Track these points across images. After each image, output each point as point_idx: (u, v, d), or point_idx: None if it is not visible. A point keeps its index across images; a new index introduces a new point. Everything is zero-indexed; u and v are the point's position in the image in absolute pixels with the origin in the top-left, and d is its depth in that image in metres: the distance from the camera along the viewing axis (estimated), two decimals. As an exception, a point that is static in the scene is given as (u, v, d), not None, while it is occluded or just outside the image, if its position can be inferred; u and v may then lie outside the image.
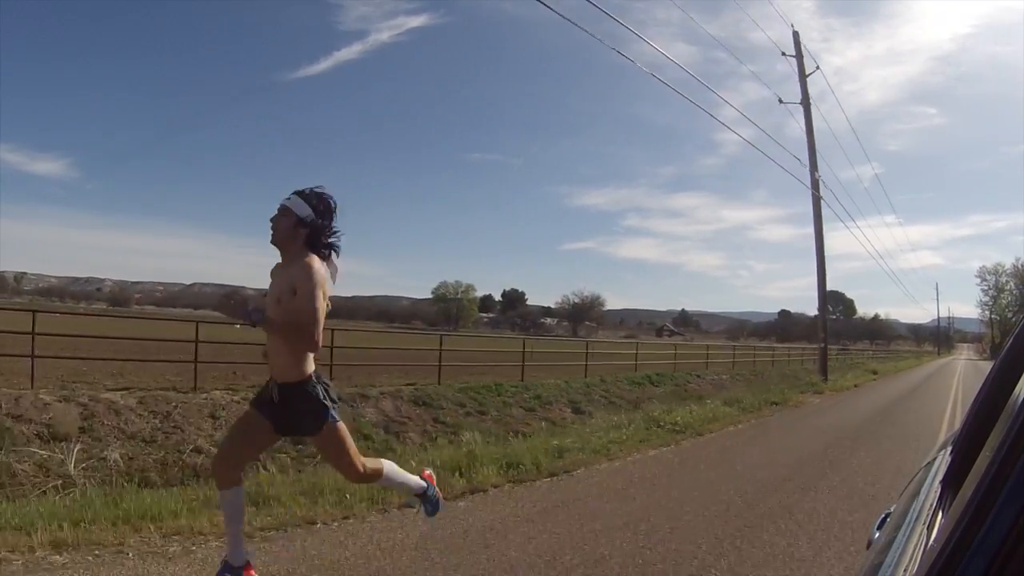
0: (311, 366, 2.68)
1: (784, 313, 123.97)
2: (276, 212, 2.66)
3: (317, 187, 2.72)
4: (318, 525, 3.89)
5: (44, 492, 4.77)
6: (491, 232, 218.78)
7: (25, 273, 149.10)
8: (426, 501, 3.15)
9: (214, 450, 6.16)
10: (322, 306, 2.52)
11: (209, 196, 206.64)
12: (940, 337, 78.84)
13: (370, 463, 2.85)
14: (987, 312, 64.08)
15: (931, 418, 11.23)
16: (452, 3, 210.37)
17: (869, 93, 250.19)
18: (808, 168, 19.06)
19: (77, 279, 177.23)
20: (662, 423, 8.41)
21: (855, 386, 18.90)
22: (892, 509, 1.42)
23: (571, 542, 3.74)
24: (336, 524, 3.95)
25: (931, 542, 0.80)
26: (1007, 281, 61.20)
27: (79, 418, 6.06)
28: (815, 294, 20.43)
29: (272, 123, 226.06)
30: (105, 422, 6.15)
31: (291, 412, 2.67)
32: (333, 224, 2.71)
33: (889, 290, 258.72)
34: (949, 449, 1.35)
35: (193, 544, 3.44)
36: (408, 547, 3.55)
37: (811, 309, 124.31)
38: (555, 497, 4.88)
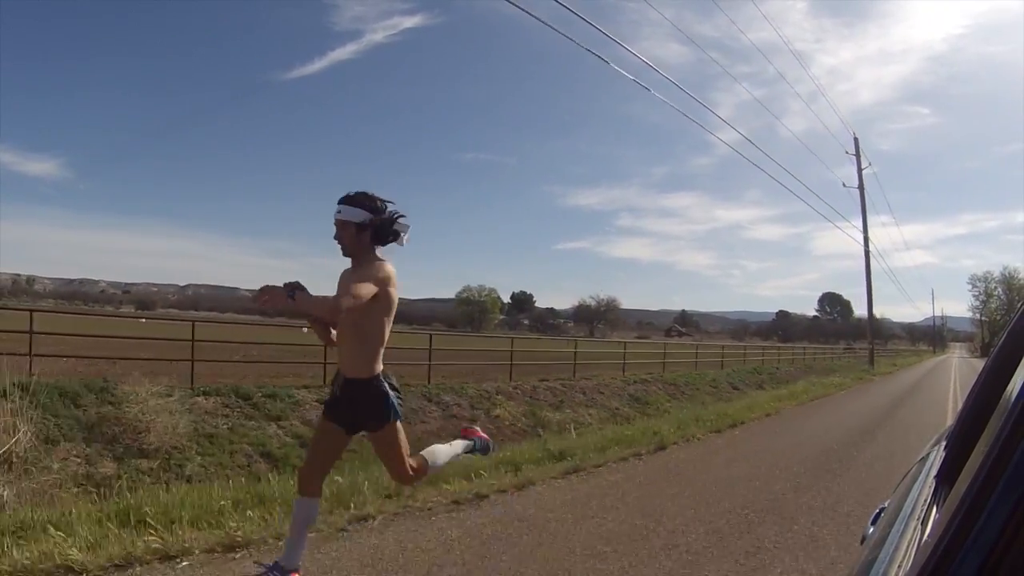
0: (380, 365, 2.82)
1: (782, 314, 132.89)
2: (336, 226, 2.77)
3: (361, 192, 2.80)
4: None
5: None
6: (484, 232, 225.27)
7: (22, 276, 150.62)
8: (477, 450, 3.47)
9: (624, 409, 12.33)
10: (366, 291, 2.58)
11: (203, 196, 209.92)
12: (935, 337, 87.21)
13: (414, 461, 2.97)
14: (978, 315, 72.14)
15: (946, 385, 19.15)
16: (447, 4, 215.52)
17: (862, 93, 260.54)
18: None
19: (71, 280, 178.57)
20: (827, 385, 15.72)
21: (890, 372, 27.03)
22: (886, 504, 1.46)
23: (841, 411, 10.96)
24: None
25: (925, 537, 0.81)
26: (995, 287, 69.35)
27: (551, 396, 11.93)
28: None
29: (266, 123, 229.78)
30: (570, 398, 12.02)
31: (356, 408, 2.82)
32: (389, 210, 2.81)
33: (882, 289, 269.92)
34: (943, 444, 1.40)
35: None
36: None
37: (807, 309, 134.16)
38: (815, 406, 12.00)
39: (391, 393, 2.81)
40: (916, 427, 9.11)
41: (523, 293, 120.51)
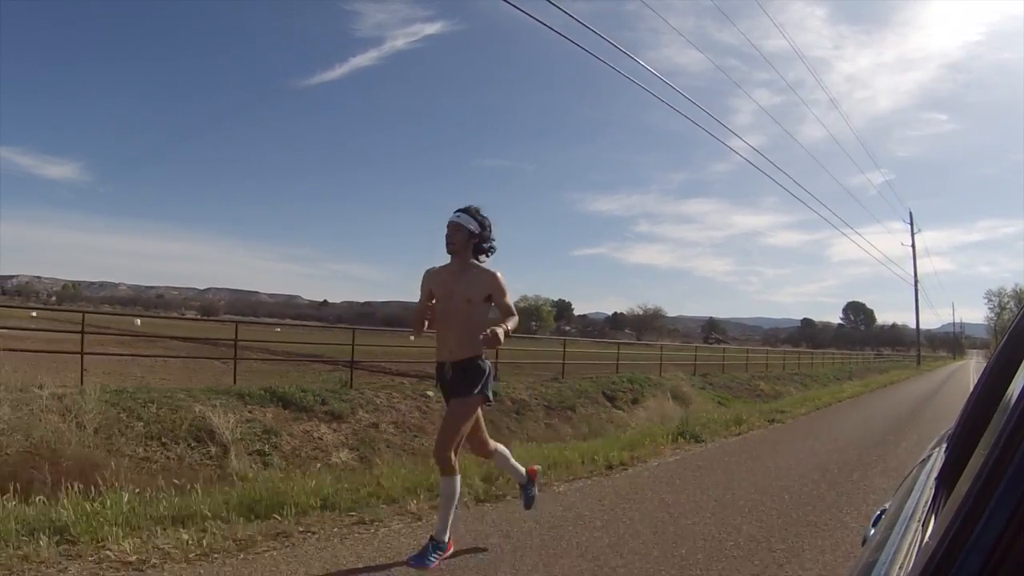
0: (482, 348, 3.61)
1: (807, 321, 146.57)
2: (450, 227, 3.68)
3: (473, 206, 3.74)
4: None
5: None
6: (502, 237, 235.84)
7: (70, 282, 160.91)
8: (526, 491, 4.20)
9: (799, 386, 25.06)
10: (512, 299, 3.63)
11: (222, 200, 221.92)
12: (954, 344, 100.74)
13: (456, 460, 3.56)
14: (993, 325, 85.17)
15: (969, 375, 31.72)
16: (467, 11, 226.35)
17: (880, 100, 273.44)
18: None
19: (91, 284, 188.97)
20: (902, 376, 28.72)
21: (932, 370, 41.59)
22: (887, 506, 1.54)
23: (924, 382, 25.97)
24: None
25: (926, 540, 0.86)
26: (1008, 301, 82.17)
27: (767, 382, 24.40)
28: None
29: (285, 128, 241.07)
30: (773, 381, 24.63)
31: (457, 379, 3.61)
32: (490, 235, 3.75)
33: (898, 295, 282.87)
34: (944, 447, 1.48)
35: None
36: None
37: (825, 315, 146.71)
38: (909, 381, 26.61)
39: (489, 374, 3.65)
40: (961, 387, 21.92)
41: (562, 301, 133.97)
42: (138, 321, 36.57)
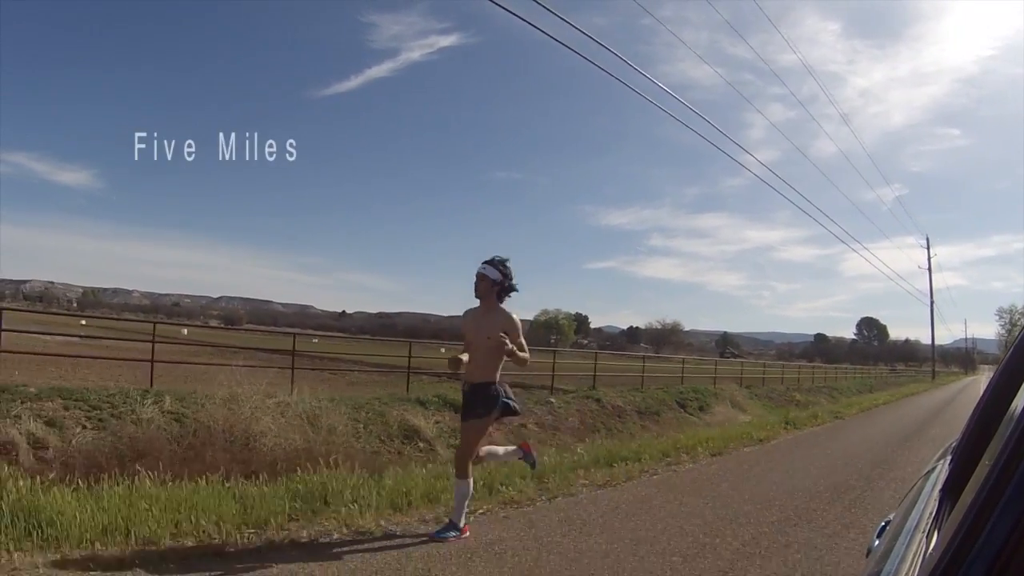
0: (498, 376, 4.48)
1: (820, 336, 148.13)
2: (476, 277, 4.41)
3: (497, 257, 4.45)
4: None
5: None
6: (514, 250, 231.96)
7: (89, 288, 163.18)
8: (528, 460, 5.12)
9: (828, 397, 27.63)
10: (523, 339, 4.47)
11: (234, 209, 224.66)
12: (966, 359, 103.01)
13: (471, 468, 4.46)
14: (1004, 341, 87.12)
15: (979, 388, 36.36)
16: (483, 24, 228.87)
17: (894, 115, 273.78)
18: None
19: (104, 290, 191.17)
20: (919, 389, 31.95)
21: (947, 384, 44.53)
22: (891, 517, 1.60)
23: (941, 393, 29.00)
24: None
25: (930, 551, 0.88)
26: (1019, 317, 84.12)
27: (800, 393, 26.90)
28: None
29: (298, 137, 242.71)
30: (804, 391, 27.20)
31: (474, 401, 4.42)
32: (510, 283, 4.44)
33: (911, 310, 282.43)
34: (948, 459, 1.51)
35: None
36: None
37: (837, 330, 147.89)
38: (926, 394, 29.71)
39: (502, 397, 4.45)
40: (973, 396, 24.69)
41: (578, 314, 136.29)
42: (185, 331, 38.13)
